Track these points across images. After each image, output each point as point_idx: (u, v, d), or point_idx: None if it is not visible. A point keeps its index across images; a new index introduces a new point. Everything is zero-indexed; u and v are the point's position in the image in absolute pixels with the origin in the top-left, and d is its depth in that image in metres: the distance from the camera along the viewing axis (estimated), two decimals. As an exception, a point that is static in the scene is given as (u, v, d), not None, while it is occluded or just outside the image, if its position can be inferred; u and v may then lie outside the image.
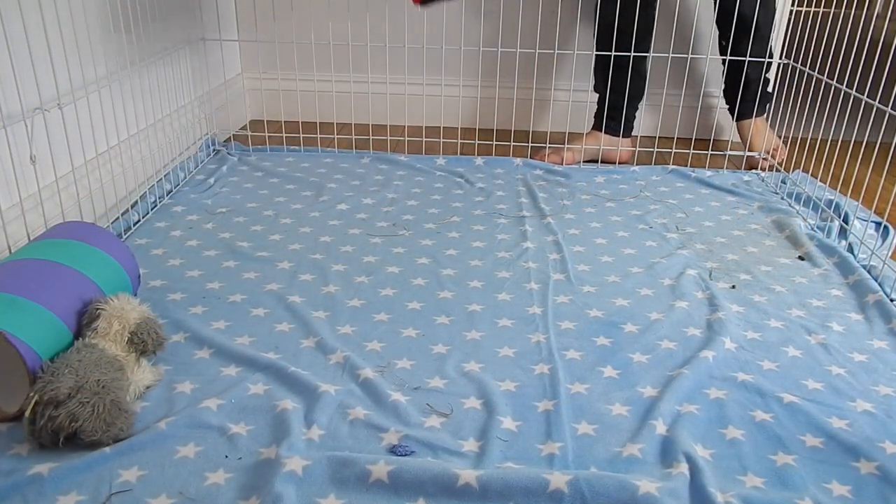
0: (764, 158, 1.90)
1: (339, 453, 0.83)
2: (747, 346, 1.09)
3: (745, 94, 1.88)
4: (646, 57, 1.85)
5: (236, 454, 0.85)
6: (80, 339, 0.92)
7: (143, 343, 0.94)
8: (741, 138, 1.96)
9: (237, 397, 0.94)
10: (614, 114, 1.89)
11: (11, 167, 1.17)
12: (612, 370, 1.02)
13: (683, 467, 0.81)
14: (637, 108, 1.92)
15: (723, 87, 1.94)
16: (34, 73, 1.19)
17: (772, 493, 0.80)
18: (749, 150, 1.92)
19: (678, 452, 0.84)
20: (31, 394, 0.82)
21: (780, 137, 2.00)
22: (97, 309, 0.94)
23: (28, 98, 1.20)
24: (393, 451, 0.85)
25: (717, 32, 1.89)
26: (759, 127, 1.93)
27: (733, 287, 1.27)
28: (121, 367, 0.89)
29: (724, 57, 1.86)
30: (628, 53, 1.81)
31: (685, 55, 2.01)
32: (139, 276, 1.14)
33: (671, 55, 1.90)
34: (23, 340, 0.86)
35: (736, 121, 1.96)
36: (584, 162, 1.90)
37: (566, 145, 1.90)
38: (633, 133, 1.96)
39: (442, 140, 2.04)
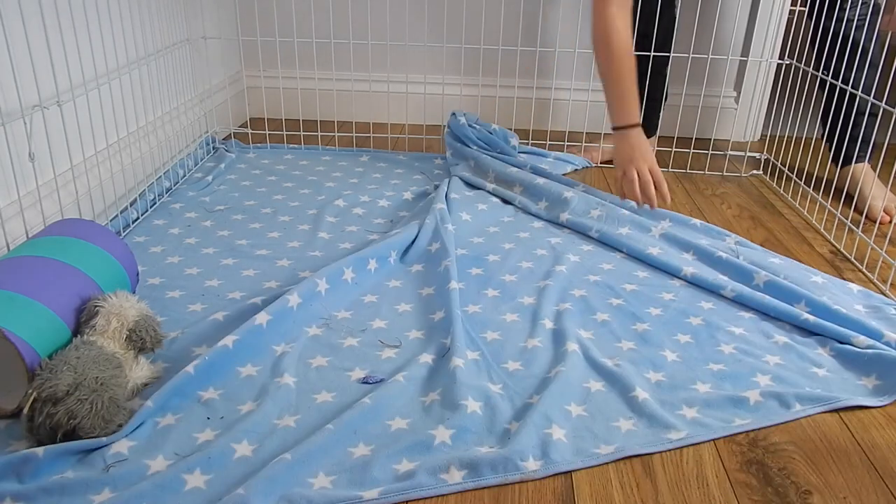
0: (887, 214, 1.59)
1: None
2: (586, 256, 1.37)
3: (854, 132, 1.63)
4: (667, 59, 1.84)
5: (217, 415, 0.90)
6: (79, 336, 0.92)
7: (142, 340, 0.94)
8: (849, 189, 1.67)
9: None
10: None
11: (10, 165, 1.17)
12: (493, 291, 1.24)
13: (575, 346, 1.05)
14: (659, 109, 1.92)
15: (827, 125, 1.70)
16: (33, 70, 1.19)
17: (643, 350, 1.08)
18: (862, 201, 1.61)
19: (569, 337, 1.07)
20: (30, 391, 0.82)
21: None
22: (96, 306, 0.94)
23: (27, 96, 1.20)
24: (365, 381, 0.98)
25: (815, 62, 1.70)
26: (870, 174, 1.65)
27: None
28: (119, 365, 0.89)
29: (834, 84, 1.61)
30: (639, 53, 1.80)
31: (682, 55, 2.01)
32: (138, 274, 1.14)
33: (671, 54, 1.90)
34: (21, 337, 0.86)
35: (841, 167, 1.70)
36: (602, 162, 1.92)
37: (583, 143, 1.90)
38: (656, 133, 1.95)
39: (443, 137, 2.04)
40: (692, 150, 1.97)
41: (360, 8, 2.10)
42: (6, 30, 1.14)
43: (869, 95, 1.56)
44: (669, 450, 0.88)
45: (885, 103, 1.41)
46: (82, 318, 0.95)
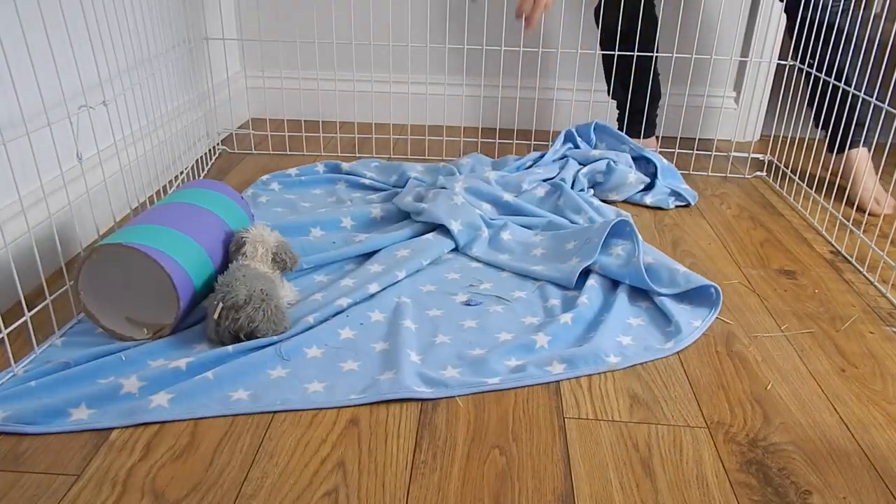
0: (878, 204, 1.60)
1: None
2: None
3: (849, 115, 1.61)
4: (657, 57, 1.85)
5: (357, 321, 1.11)
6: (233, 262, 1.08)
7: (283, 262, 1.11)
8: (843, 176, 1.68)
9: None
10: (634, 117, 1.90)
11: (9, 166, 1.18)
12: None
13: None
14: (658, 108, 1.92)
15: (814, 110, 1.69)
16: (57, 72, 1.19)
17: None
18: (855, 190, 1.62)
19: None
20: (215, 301, 0.98)
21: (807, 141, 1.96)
22: (242, 237, 1.10)
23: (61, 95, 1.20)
24: (468, 303, 1.17)
25: (794, 46, 1.70)
26: (864, 161, 1.61)
27: None
28: (273, 281, 1.05)
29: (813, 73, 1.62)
30: (643, 54, 1.81)
31: (685, 55, 2.01)
32: (253, 217, 1.28)
33: (674, 55, 1.90)
34: (175, 260, 1.00)
35: (836, 153, 1.68)
36: None
37: None
38: (655, 133, 1.96)
39: (445, 139, 2.05)
40: (695, 151, 1.97)
41: (362, 8, 2.10)
42: (26, 34, 1.14)
43: (858, 78, 1.56)
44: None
45: (887, 103, 1.41)
46: (232, 248, 1.11)
